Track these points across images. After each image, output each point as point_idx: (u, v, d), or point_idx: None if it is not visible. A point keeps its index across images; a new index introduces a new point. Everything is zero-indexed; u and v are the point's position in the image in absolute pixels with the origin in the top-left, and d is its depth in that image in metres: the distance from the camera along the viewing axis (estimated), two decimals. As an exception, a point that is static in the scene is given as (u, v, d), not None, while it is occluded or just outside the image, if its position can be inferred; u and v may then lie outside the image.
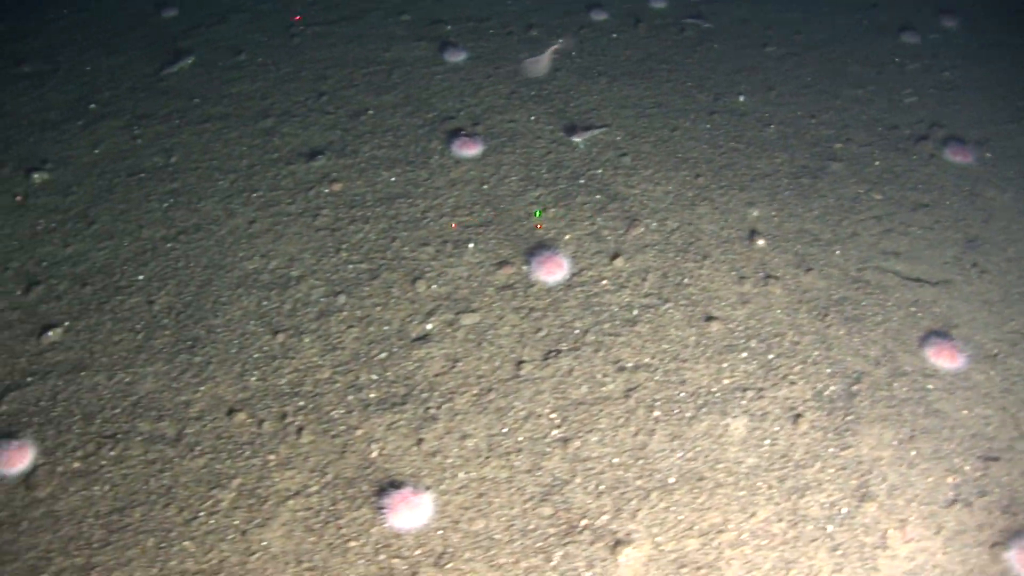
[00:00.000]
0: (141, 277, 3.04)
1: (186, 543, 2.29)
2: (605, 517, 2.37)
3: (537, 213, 3.19)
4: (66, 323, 2.88)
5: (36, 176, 3.47)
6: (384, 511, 2.30)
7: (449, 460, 2.50)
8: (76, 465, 2.47)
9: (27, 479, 2.43)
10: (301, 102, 3.87)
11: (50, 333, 2.85)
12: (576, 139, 3.48)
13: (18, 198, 3.46)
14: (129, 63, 4.21)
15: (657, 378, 2.73)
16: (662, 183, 3.49)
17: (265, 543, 2.30)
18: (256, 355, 2.77)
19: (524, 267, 3.05)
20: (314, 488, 2.41)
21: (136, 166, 3.54)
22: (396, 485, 2.37)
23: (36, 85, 4.10)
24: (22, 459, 2.43)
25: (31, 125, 3.84)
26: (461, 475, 2.45)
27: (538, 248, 3.09)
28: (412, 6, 4.64)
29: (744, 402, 2.67)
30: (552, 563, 2.27)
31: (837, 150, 3.79)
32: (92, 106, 3.99)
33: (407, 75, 4.07)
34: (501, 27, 4.49)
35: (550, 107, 3.89)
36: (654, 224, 3.28)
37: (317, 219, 3.27)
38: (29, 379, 2.72)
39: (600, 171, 3.54)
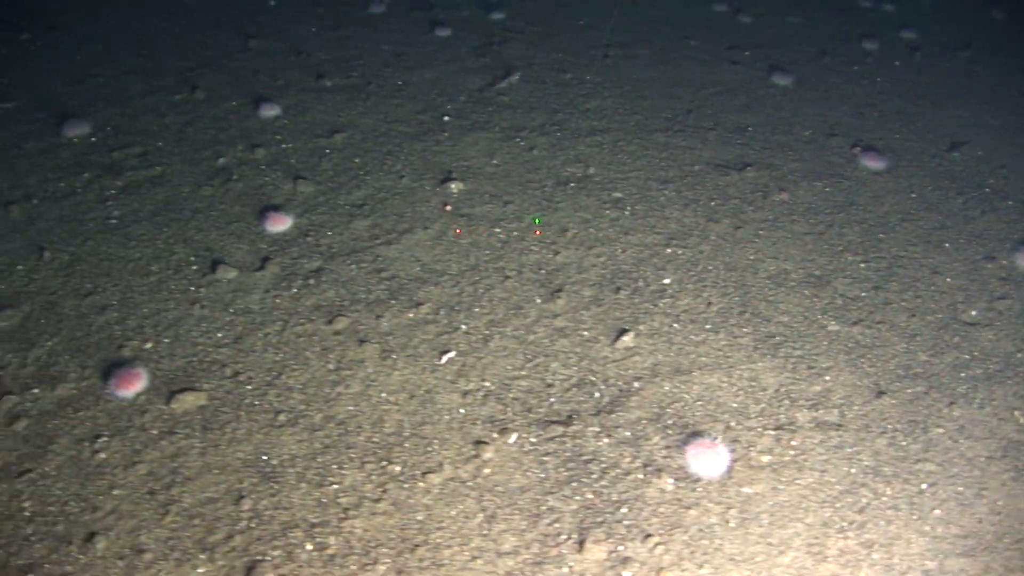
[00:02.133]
0: (667, 280, 2.98)
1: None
2: None
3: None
4: (639, 327, 2.79)
5: (453, 186, 3.36)
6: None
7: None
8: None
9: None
10: (671, 118, 4.00)
11: (625, 337, 2.73)
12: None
13: (447, 207, 3.29)
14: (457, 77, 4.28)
15: None
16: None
17: None
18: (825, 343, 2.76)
19: None
20: None
21: (558, 175, 3.50)
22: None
23: (382, 101, 4.07)
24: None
25: (398, 135, 3.77)
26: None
27: None
28: (705, 32, 4.91)
29: None
30: None
31: None
32: (446, 118, 3.90)
33: (751, 96, 4.26)
34: (819, 52, 4.81)
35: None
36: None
37: (795, 224, 3.32)
38: (592, 378, 2.57)
39: None
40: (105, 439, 2.45)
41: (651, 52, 4.60)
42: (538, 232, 3.13)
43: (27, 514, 2.25)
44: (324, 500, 2.25)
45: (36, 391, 2.64)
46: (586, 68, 4.39)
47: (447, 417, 2.48)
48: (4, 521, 2.24)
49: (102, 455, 2.40)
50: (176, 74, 4.55)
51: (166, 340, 2.77)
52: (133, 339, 2.77)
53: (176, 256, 3.16)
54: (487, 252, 3.12)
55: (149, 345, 2.76)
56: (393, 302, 2.88)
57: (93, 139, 4.08)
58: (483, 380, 2.59)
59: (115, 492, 2.29)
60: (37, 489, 2.32)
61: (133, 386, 2.57)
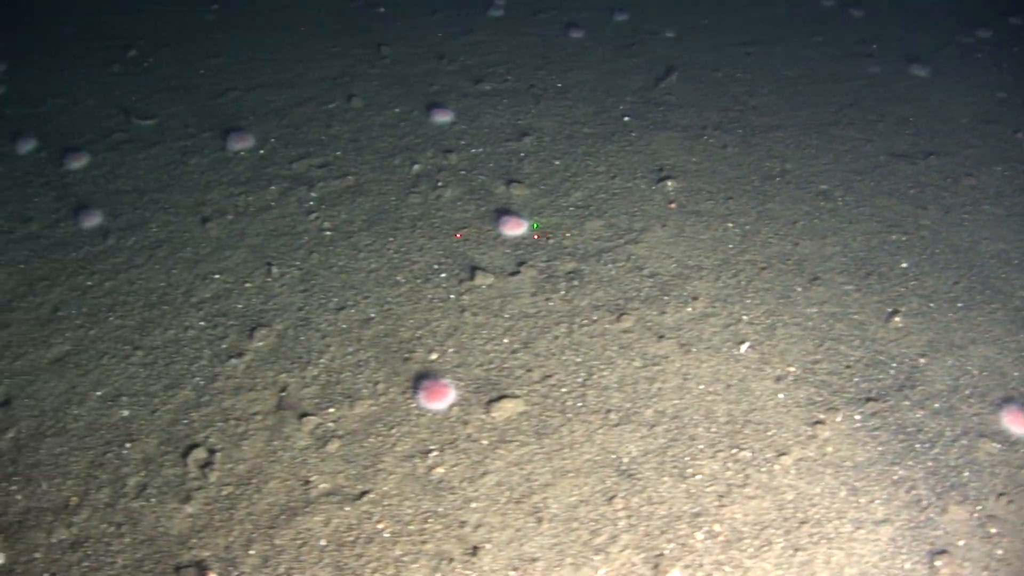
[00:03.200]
0: (905, 264, 3.17)
1: None
2: None
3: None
4: (901, 308, 2.94)
5: (670, 184, 3.50)
6: None
7: None
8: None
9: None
10: (837, 111, 4.20)
11: (896, 318, 2.92)
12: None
13: (672, 204, 3.43)
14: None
15: None
16: None
17: None
18: None
19: None
20: None
21: (760, 171, 3.66)
22: None
23: (551, 104, 4.17)
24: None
25: (586, 137, 3.87)
26: None
27: None
28: (825, 28, 5.09)
29: None
30: None
31: None
32: (626, 119, 4.03)
33: (897, 87, 4.45)
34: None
35: None
36: None
37: (992, 207, 3.52)
38: (881, 357, 2.75)
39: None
40: (436, 453, 2.50)
41: (785, 49, 4.84)
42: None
43: (387, 535, 2.29)
44: (693, 491, 2.37)
45: (332, 410, 2.67)
46: (733, 66, 4.60)
47: (770, 403, 2.63)
48: (367, 544, 2.27)
49: (440, 470, 2.45)
50: (316, 84, 4.56)
51: (451, 350, 2.83)
52: (415, 350, 2.83)
53: (418, 265, 3.21)
54: (730, 246, 3.27)
55: (434, 356, 2.81)
56: (666, 298, 3.01)
57: (261, 151, 4.05)
58: (787, 366, 2.75)
59: (473, 505, 2.35)
60: (386, 510, 2.36)
61: (444, 398, 2.62)
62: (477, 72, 4.55)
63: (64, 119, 4.60)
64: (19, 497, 2.50)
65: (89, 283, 3.35)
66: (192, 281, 3.28)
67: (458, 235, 3.21)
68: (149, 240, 3.56)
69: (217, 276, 3.28)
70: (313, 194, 3.68)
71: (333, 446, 2.54)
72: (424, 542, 2.26)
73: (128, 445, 2.62)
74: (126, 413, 2.72)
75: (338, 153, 3.95)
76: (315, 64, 4.83)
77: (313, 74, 4.71)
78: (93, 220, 3.73)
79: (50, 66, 5.34)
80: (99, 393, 2.83)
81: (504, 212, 3.40)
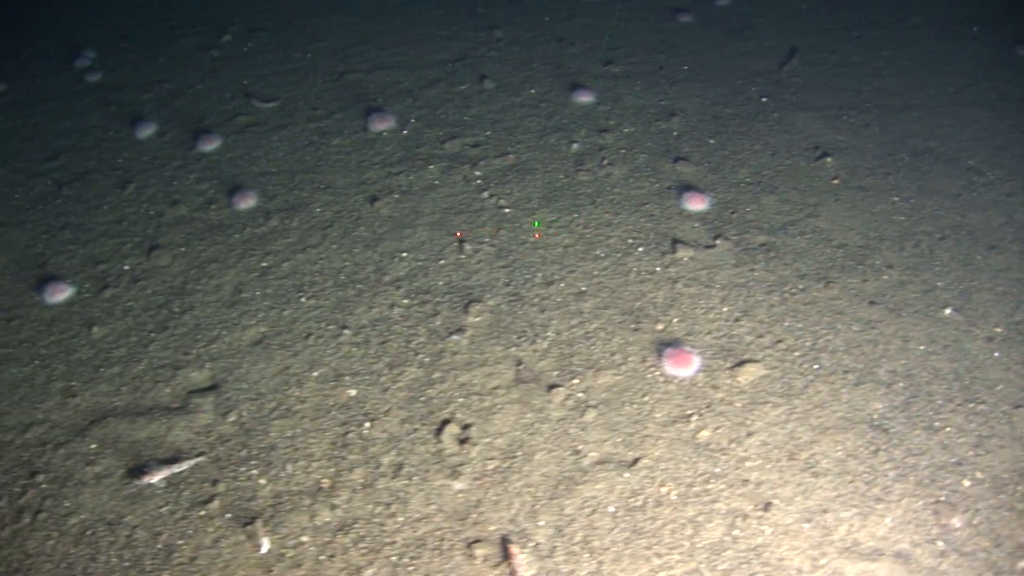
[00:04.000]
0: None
1: None
2: None
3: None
4: None
5: (829, 160, 3.64)
6: None
7: None
8: None
9: None
10: (958, 91, 4.36)
11: None
12: None
13: (835, 180, 3.55)
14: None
15: None
16: None
17: None
18: None
19: None
20: None
21: (907, 147, 3.80)
22: None
23: (686, 85, 4.28)
24: None
25: (731, 117, 4.00)
26: None
27: None
28: (919, 10, 5.18)
29: None
30: None
31: None
32: (764, 100, 4.18)
33: (1010, 67, 4.56)
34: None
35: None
36: None
37: None
38: None
39: None
40: (697, 418, 2.59)
41: (888, 33, 4.99)
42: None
43: (674, 497, 2.36)
44: (946, 442, 2.49)
45: (577, 381, 2.73)
46: (847, 50, 4.75)
47: (988, 360, 2.78)
48: (656, 507, 2.34)
49: (705, 433, 2.54)
50: (438, 67, 4.59)
51: (675, 319, 2.92)
52: (640, 321, 2.90)
53: (612, 240, 3.29)
54: (902, 218, 3.39)
55: (660, 326, 2.90)
56: (861, 267, 3.15)
57: (405, 132, 4.07)
58: (993, 327, 2.90)
59: (748, 464, 2.42)
60: (665, 474, 2.43)
61: (689, 365, 2.71)
62: (601, 54, 4.64)
63: (179, 104, 4.55)
64: (263, 481, 2.51)
65: (264, 264, 3.35)
66: (379, 260, 3.31)
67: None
68: (316, 220, 3.57)
69: (405, 254, 3.32)
70: (477, 172, 3.73)
71: (590, 416, 2.61)
72: (713, 501, 2.35)
73: (368, 424, 2.64)
74: (354, 392, 2.75)
75: (488, 133, 4.01)
76: (429, 47, 4.86)
77: (431, 56, 4.75)
78: (248, 201, 3.71)
79: (142, 53, 5.26)
80: (316, 373, 2.84)
81: (685, 188, 3.51)
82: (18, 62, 5.41)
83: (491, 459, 2.49)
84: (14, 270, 3.53)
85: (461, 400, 2.67)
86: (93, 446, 2.65)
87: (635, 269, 3.14)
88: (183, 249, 3.51)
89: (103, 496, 2.49)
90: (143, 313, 3.17)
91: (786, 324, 2.90)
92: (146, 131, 4.39)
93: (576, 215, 3.43)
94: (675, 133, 3.92)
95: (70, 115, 4.70)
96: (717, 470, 2.42)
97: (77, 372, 2.96)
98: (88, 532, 2.38)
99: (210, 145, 4.14)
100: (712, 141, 3.86)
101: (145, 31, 5.50)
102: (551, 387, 2.69)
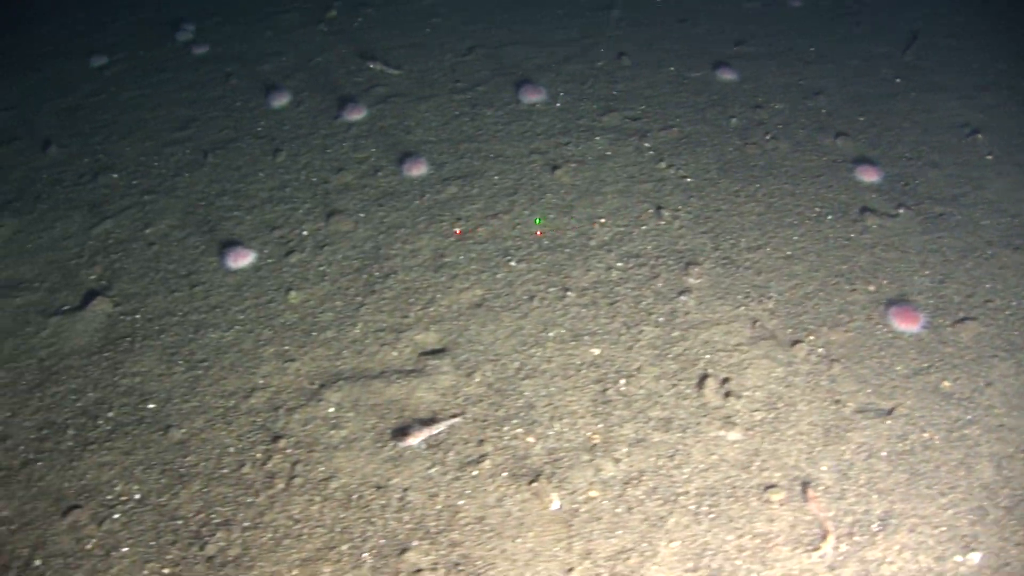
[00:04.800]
0: None
1: None
2: None
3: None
4: None
5: (980, 136, 3.83)
6: None
7: None
8: None
9: None
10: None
11: None
12: None
13: (989, 156, 3.74)
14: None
15: None
16: None
17: None
18: None
19: None
20: None
21: None
22: None
23: (818, 66, 4.44)
24: None
25: (873, 97, 4.15)
26: None
27: None
28: None
29: None
30: None
31: None
32: (898, 80, 4.37)
33: None
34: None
35: None
36: None
37: None
38: None
39: None
40: (936, 370, 2.72)
41: (997, 9, 5.16)
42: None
43: (937, 442, 2.50)
44: None
45: (813, 338, 2.84)
46: (961, 33, 4.93)
47: None
48: (924, 450, 2.48)
49: (946, 383, 2.67)
50: (569, 44, 4.63)
51: (885, 281, 3.08)
52: (854, 283, 3.02)
53: (800, 208, 3.40)
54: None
55: (872, 288, 3.04)
56: (1039, 236, 3.40)
57: (558, 104, 4.15)
58: None
59: (996, 411, 2.57)
60: (918, 421, 2.55)
61: (916, 322, 2.87)
62: (728, 35, 4.78)
63: (302, 76, 4.54)
64: (531, 440, 2.57)
65: (458, 229, 3.39)
66: (579, 225, 3.38)
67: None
68: (497, 187, 3.61)
69: (603, 220, 3.40)
70: (647, 144, 3.83)
71: (836, 369, 2.74)
72: (975, 445, 2.49)
73: (623, 382, 2.72)
74: (597, 352, 2.83)
75: (643, 107, 4.11)
76: (549, 26, 4.93)
77: (555, 35, 4.82)
78: (419, 169, 3.74)
79: (244, 28, 5.23)
80: (552, 334, 2.91)
81: (855, 161, 3.64)
82: (114, 35, 5.34)
83: (756, 410, 2.61)
84: (179, 236, 3.50)
85: (708, 356, 2.78)
86: (331, 410, 2.67)
87: (831, 236, 3.29)
88: (362, 215, 3.52)
89: (359, 460, 2.51)
90: (341, 278, 3.20)
91: (987, 286, 3.09)
92: (279, 101, 4.35)
93: (757, 185, 3.58)
94: (824, 111, 4.10)
95: (188, 86, 4.65)
96: (969, 417, 2.60)
97: (286, 337, 2.97)
98: (355, 496, 2.40)
99: (356, 115, 4.13)
100: (861, 119, 4.05)
101: (241, 7, 5.45)
102: (793, 343, 2.83)
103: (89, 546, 2.31)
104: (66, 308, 3.20)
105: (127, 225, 3.59)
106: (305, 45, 4.88)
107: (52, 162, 4.13)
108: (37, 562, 2.29)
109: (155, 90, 4.66)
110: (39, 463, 2.57)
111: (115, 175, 3.94)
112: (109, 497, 2.44)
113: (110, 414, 2.71)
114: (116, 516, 2.39)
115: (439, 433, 2.55)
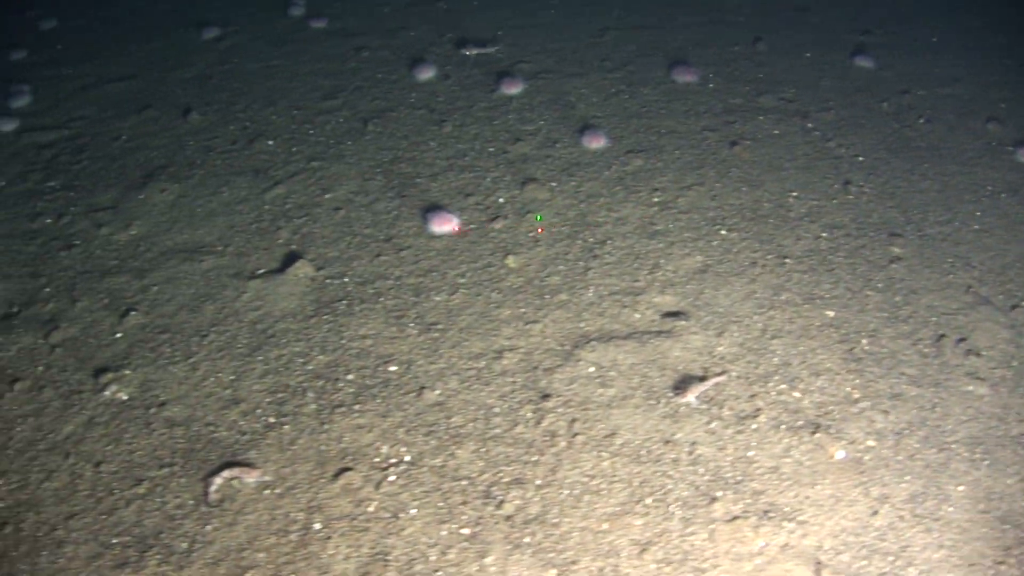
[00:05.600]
0: None
1: None
2: None
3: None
4: None
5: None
6: None
7: None
8: None
9: None
10: None
11: None
12: None
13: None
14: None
15: None
16: None
17: None
18: None
19: None
20: None
21: None
22: None
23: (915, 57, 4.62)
24: None
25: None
26: None
27: None
28: None
29: None
30: None
31: None
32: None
33: None
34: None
35: None
36: None
37: None
38: None
39: None
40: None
41: None
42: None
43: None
44: None
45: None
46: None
47: None
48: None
49: None
50: (693, 28, 4.75)
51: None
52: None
53: (973, 186, 3.55)
54: None
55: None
56: None
57: (711, 86, 4.28)
58: None
59: None
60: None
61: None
62: (848, 25, 4.92)
63: (438, 51, 4.56)
64: (797, 395, 2.63)
65: (656, 199, 3.44)
66: (773, 198, 3.50)
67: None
68: (681, 161, 3.71)
69: (795, 194, 3.54)
70: (810, 124, 3.99)
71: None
72: None
73: (865, 341, 2.80)
74: (832, 314, 2.92)
75: (792, 91, 4.27)
76: (670, 11, 5.00)
77: (682, 19, 4.95)
78: (599, 141, 3.84)
79: (355, 3, 5.22)
80: (783, 298, 2.99)
81: (1017, 143, 3.82)
82: (220, 9, 5.32)
83: (995, 368, 2.74)
84: (365, 201, 3.53)
85: (935, 319, 2.93)
86: (591, 369, 2.74)
87: (1011, 212, 3.49)
88: (554, 184, 3.59)
89: (636, 417, 2.58)
90: (555, 243, 3.27)
91: None
92: (425, 74, 4.41)
93: (927, 165, 3.76)
94: (965, 97, 4.34)
95: (320, 58, 4.67)
96: None
97: (519, 300, 3.03)
98: (643, 451, 2.48)
99: (514, 88, 4.21)
100: (1003, 106, 4.27)
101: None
102: (1012, 307, 3.00)
103: (371, 508, 2.33)
104: (262, 271, 3.22)
105: (301, 191, 3.62)
106: (426, 25, 4.93)
107: (195, 129, 4.12)
108: (316, 525, 2.30)
109: (285, 61, 4.66)
110: (285, 426, 2.60)
111: (270, 142, 3.95)
112: (377, 459, 2.47)
113: (349, 376, 2.74)
114: (392, 478, 2.41)
115: (707, 390, 2.66)
